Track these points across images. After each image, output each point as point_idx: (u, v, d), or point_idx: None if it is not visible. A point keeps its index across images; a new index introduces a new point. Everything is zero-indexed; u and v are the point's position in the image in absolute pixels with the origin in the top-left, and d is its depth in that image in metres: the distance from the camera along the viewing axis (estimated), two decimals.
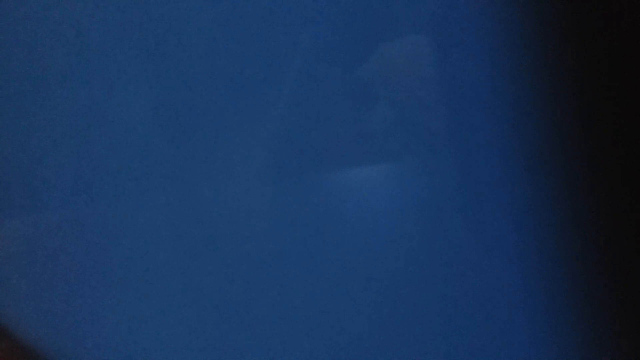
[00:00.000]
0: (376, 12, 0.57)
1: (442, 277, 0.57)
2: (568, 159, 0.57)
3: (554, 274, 0.56)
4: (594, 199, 0.57)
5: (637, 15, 0.56)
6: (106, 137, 0.60)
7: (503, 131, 0.57)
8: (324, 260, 0.58)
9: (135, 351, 0.60)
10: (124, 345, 0.60)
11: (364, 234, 0.58)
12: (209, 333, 0.59)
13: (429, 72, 0.58)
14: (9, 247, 0.61)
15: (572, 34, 0.56)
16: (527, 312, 0.57)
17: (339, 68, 0.58)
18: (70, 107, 0.60)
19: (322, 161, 0.58)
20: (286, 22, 0.58)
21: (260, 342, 0.59)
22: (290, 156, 0.58)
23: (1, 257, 0.61)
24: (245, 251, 0.59)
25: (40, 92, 0.60)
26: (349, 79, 0.58)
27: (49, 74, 0.60)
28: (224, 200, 0.59)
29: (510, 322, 0.57)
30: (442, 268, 0.57)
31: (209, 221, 0.59)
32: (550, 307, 0.57)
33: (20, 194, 0.61)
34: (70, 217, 0.60)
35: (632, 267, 0.57)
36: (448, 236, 0.57)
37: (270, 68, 0.58)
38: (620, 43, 0.56)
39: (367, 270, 0.58)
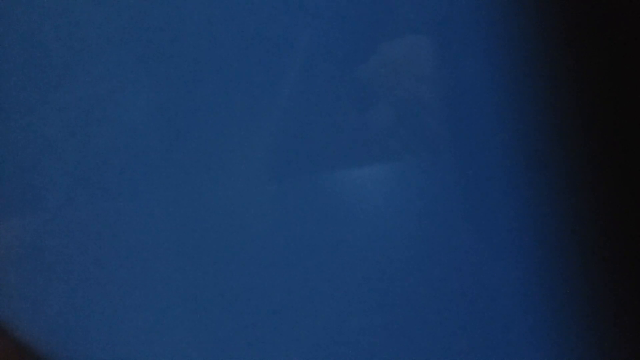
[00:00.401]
0: (376, 12, 0.57)
1: (442, 277, 0.57)
2: (568, 159, 0.57)
3: (554, 274, 0.56)
4: (594, 199, 0.57)
5: (637, 15, 0.56)
6: (106, 136, 0.60)
7: (503, 131, 0.57)
8: (324, 259, 0.58)
9: (135, 351, 0.60)
10: (124, 345, 0.60)
11: (363, 233, 0.58)
12: (209, 333, 0.59)
13: (429, 72, 0.58)
14: (9, 247, 0.61)
15: (572, 34, 0.56)
16: (528, 312, 0.57)
17: (339, 68, 0.58)
18: (70, 107, 0.60)
19: (322, 161, 0.58)
20: (286, 22, 0.58)
21: (261, 342, 0.59)
22: (290, 156, 0.58)
23: (1, 257, 0.61)
24: (246, 251, 0.59)
25: (40, 92, 0.60)
26: (349, 79, 0.58)
27: (49, 74, 0.60)
28: (224, 200, 0.59)
29: (510, 321, 0.57)
30: (442, 268, 0.57)
31: (209, 221, 0.59)
32: (551, 306, 0.57)
33: (20, 194, 0.61)
34: (70, 217, 0.60)
35: (632, 267, 0.57)
36: (448, 236, 0.57)
37: (270, 68, 0.58)
38: (620, 43, 0.56)
39: (367, 270, 0.58)
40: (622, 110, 0.56)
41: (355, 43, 0.57)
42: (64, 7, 0.60)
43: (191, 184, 0.59)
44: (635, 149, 0.56)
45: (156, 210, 0.59)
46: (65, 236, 0.60)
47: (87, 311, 0.60)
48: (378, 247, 0.58)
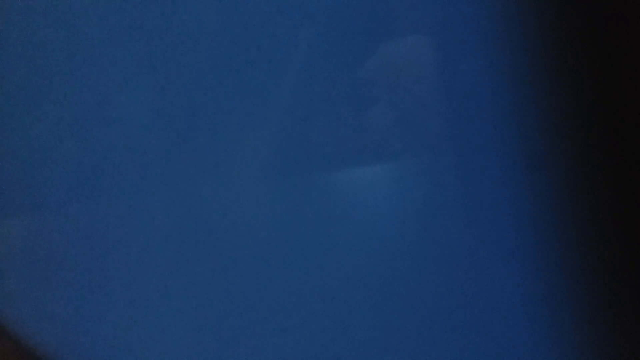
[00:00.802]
0: (376, 12, 0.57)
1: (442, 276, 0.57)
2: (568, 159, 0.57)
3: (554, 274, 0.56)
4: (594, 199, 0.57)
5: (637, 15, 0.56)
6: (106, 137, 0.60)
7: (503, 131, 0.57)
8: (324, 259, 0.58)
9: (135, 351, 0.60)
10: (124, 345, 0.60)
11: (363, 233, 0.58)
12: (209, 333, 0.59)
13: (429, 72, 0.58)
14: (9, 247, 0.61)
15: (572, 34, 0.56)
16: (528, 312, 0.57)
17: (339, 68, 0.58)
18: (70, 107, 0.60)
19: (322, 161, 0.58)
20: (286, 22, 0.58)
21: (261, 342, 0.59)
22: (290, 156, 0.58)
23: (1, 257, 0.61)
24: (246, 251, 0.59)
25: (40, 92, 0.60)
26: (348, 79, 0.58)
27: (49, 74, 0.60)
28: (224, 200, 0.59)
29: (510, 321, 0.57)
30: (442, 267, 0.57)
31: (209, 221, 0.59)
32: (551, 306, 0.57)
33: (20, 194, 0.61)
34: (71, 217, 0.60)
35: (632, 267, 0.57)
36: (448, 236, 0.57)
37: (270, 68, 0.58)
38: (620, 43, 0.56)
39: (366, 269, 0.58)
40: (622, 110, 0.56)
41: (355, 43, 0.57)
42: (65, 7, 0.60)
43: (191, 184, 0.59)
44: (635, 149, 0.56)
45: (156, 210, 0.59)
46: (65, 236, 0.60)
47: (87, 311, 0.60)
48: (378, 246, 0.58)
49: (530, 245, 0.57)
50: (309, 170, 0.58)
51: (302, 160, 0.58)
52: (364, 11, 0.57)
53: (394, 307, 0.58)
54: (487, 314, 0.57)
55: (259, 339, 0.59)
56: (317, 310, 0.58)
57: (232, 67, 0.58)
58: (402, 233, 0.58)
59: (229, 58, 0.58)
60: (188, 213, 0.59)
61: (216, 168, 0.59)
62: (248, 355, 0.59)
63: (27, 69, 0.60)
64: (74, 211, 0.60)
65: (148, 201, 0.59)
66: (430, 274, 0.58)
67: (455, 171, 0.57)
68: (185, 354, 0.59)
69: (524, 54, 0.56)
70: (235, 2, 0.58)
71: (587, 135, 0.56)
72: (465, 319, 0.57)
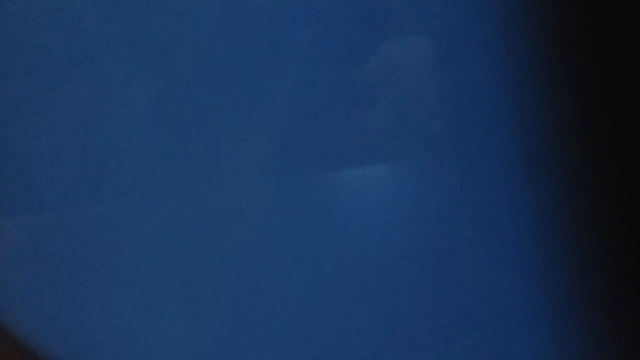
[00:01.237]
0: (376, 12, 0.57)
1: (442, 276, 0.57)
2: (568, 159, 0.57)
3: (554, 274, 0.56)
4: (593, 199, 0.57)
5: (637, 15, 0.56)
6: (106, 137, 0.60)
7: (503, 131, 0.57)
8: (324, 258, 0.58)
9: (135, 350, 0.60)
10: (124, 345, 0.60)
11: (363, 232, 0.58)
12: (209, 332, 0.59)
13: (429, 72, 0.58)
14: (9, 247, 0.61)
15: (572, 34, 0.56)
16: (528, 311, 0.57)
17: (339, 68, 0.58)
18: (70, 107, 0.60)
19: (322, 161, 0.58)
20: (286, 22, 0.58)
21: (261, 341, 0.59)
22: (290, 156, 0.58)
23: (1, 257, 0.61)
24: (246, 250, 0.59)
25: (40, 92, 0.60)
26: (349, 79, 0.58)
27: (50, 74, 0.60)
28: (224, 199, 0.59)
29: (510, 320, 0.57)
30: (442, 266, 0.57)
31: (209, 221, 0.59)
32: (550, 306, 0.57)
33: (20, 194, 0.61)
34: (71, 217, 0.60)
35: (632, 267, 0.57)
36: (448, 235, 0.57)
37: (270, 68, 0.58)
38: (620, 43, 0.56)
39: (366, 269, 0.58)
40: (622, 110, 0.56)
41: (356, 43, 0.57)
42: (65, 7, 0.60)
43: (192, 184, 0.59)
44: (636, 149, 0.56)
45: (156, 210, 0.59)
46: (65, 236, 0.60)
47: (87, 311, 0.60)
48: (378, 246, 0.58)
49: (530, 245, 0.57)
50: (309, 170, 0.58)
51: (303, 160, 0.58)
52: (364, 11, 0.57)
53: (394, 306, 0.58)
54: (487, 313, 0.57)
55: (258, 338, 0.58)
56: (318, 309, 0.58)
57: (233, 68, 0.58)
58: (403, 232, 0.58)
59: (230, 58, 0.58)
60: (188, 213, 0.59)
61: (216, 168, 0.59)
62: (248, 355, 0.59)
63: (27, 69, 0.60)
64: (74, 211, 0.60)
65: (148, 201, 0.59)
66: (431, 273, 0.58)
67: (455, 171, 0.57)
68: (185, 353, 0.59)
69: (524, 54, 0.56)
70: (236, 2, 0.58)
71: (587, 135, 0.56)
72: (466, 318, 0.57)
